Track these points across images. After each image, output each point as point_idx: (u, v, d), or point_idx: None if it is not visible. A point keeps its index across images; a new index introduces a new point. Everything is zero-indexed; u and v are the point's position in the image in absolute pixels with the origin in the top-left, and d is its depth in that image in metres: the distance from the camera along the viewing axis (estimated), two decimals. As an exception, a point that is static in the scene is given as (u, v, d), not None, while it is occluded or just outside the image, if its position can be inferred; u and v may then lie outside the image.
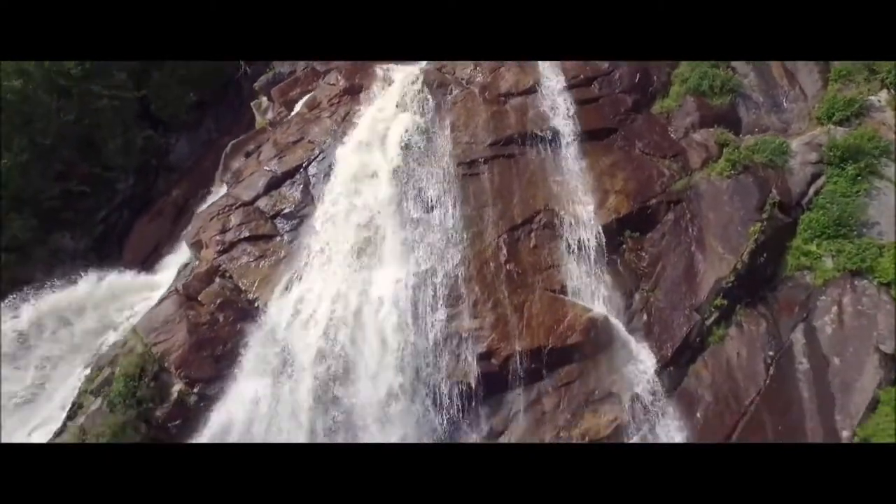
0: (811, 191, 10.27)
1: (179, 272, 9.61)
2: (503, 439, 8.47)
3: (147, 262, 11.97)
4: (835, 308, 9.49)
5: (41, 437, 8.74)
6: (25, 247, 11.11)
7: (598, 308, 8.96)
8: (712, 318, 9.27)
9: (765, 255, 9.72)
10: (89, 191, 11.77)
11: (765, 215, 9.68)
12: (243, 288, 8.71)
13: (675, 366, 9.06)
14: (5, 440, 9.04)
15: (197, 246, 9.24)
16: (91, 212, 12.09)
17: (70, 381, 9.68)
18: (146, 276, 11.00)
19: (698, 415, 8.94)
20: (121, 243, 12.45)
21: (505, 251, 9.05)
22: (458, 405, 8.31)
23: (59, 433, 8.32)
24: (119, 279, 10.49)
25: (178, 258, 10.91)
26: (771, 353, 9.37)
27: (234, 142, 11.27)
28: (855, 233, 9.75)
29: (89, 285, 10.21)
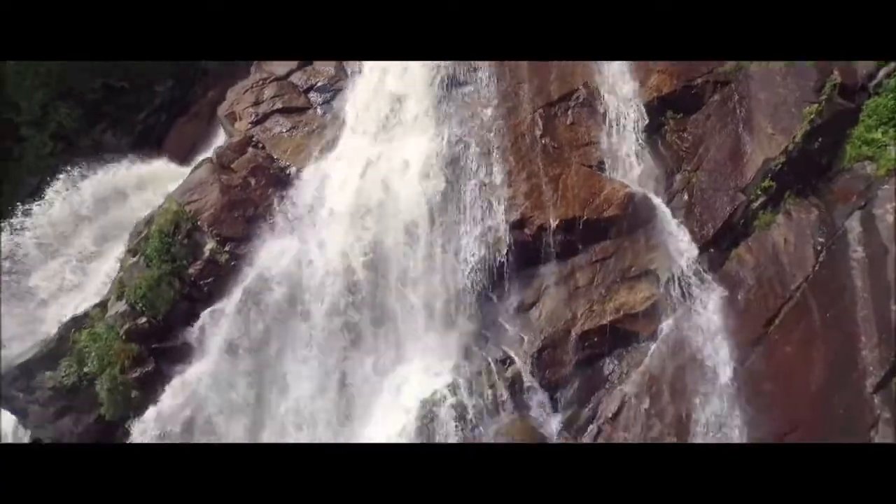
0: (880, 74, 9.43)
1: (214, 151, 9.69)
2: (534, 312, 8.33)
3: (185, 160, 12.21)
4: (899, 196, 8.87)
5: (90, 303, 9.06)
6: (70, 135, 11.45)
7: (637, 186, 8.68)
8: (759, 202, 8.78)
9: (820, 140, 9.09)
10: (129, 87, 12.00)
11: (823, 97, 9.05)
12: (276, 157, 8.77)
13: (716, 248, 8.65)
14: (59, 317, 9.37)
15: (230, 118, 9.31)
16: (131, 110, 12.30)
17: (111, 261, 10.04)
18: (184, 167, 11.23)
19: (739, 297, 8.53)
20: (160, 144, 12.71)
21: (541, 125, 8.74)
22: (488, 275, 8.20)
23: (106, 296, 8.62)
24: (158, 166, 10.72)
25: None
26: (822, 240, 8.80)
27: (269, 35, 11.27)
28: (930, 118, 9.04)
29: (131, 171, 10.50)
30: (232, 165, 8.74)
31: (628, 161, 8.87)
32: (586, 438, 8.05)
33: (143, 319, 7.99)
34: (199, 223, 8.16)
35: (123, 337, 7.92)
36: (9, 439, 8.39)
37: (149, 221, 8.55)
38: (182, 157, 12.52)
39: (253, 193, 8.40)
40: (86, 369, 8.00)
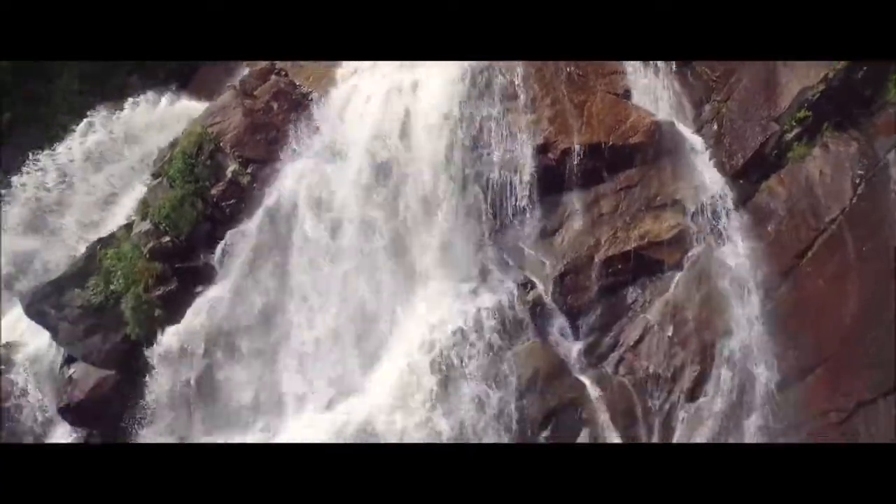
0: (932, 3, 9.05)
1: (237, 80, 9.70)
2: (556, 237, 8.19)
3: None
4: (946, 126, 8.42)
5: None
6: (95, 77, 11.64)
7: (664, 115, 8.44)
8: (793, 133, 8.41)
9: (864, 70, 8.68)
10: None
11: (867, 24, 8.67)
12: (298, 83, 8.77)
13: (745, 179, 8.36)
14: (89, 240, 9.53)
15: (254, 47, 9.32)
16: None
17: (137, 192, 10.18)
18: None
19: (769, 228, 8.23)
20: (185, 86, 12.76)
21: (566, 53, 8.62)
22: (510, 199, 8.08)
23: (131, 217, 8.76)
24: (182, 103, 10.79)
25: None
26: (861, 172, 8.37)
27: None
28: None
29: (158, 107, 10.57)
30: (255, 92, 8.76)
31: (655, 90, 8.65)
32: (608, 366, 7.93)
33: (167, 239, 8.07)
34: (221, 144, 8.18)
35: (147, 256, 8.02)
36: (42, 354, 8.68)
37: (173, 144, 8.63)
38: (208, 99, 12.75)
39: (275, 117, 8.38)
40: (112, 288, 8.12)
